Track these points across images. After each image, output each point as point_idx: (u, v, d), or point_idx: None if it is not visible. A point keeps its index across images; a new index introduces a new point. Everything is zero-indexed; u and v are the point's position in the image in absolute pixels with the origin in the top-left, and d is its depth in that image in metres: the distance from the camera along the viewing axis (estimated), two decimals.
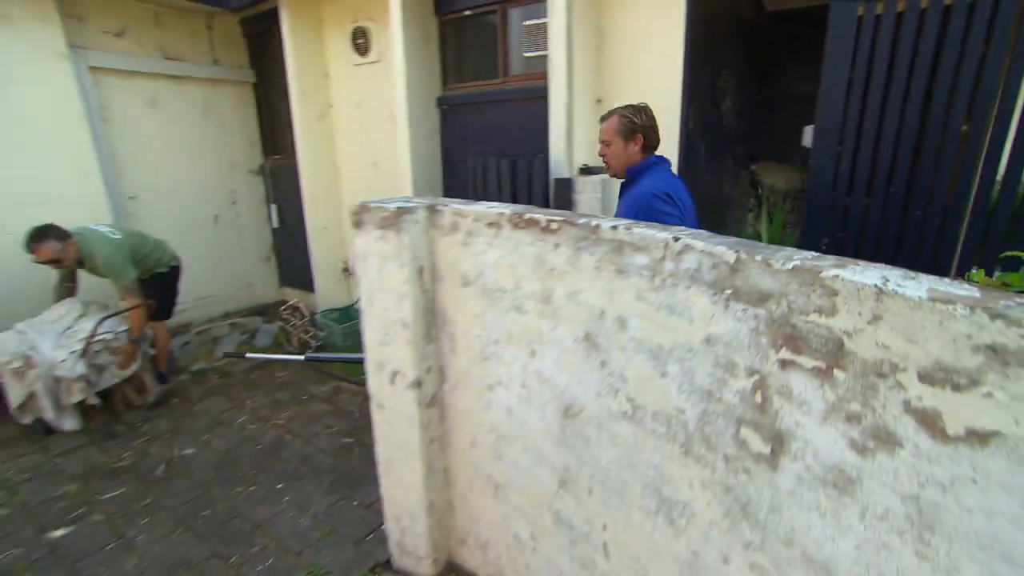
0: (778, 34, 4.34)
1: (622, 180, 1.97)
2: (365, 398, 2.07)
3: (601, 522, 1.28)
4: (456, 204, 1.45)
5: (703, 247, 0.90)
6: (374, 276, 1.56)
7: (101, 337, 2.82)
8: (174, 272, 3.23)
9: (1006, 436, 0.55)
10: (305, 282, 4.38)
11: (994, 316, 0.54)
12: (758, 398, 0.83)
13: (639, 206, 1.77)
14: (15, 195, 3.16)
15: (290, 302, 4.04)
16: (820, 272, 0.71)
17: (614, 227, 1.07)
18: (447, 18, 3.16)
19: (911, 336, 0.61)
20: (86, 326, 2.83)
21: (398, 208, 1.44)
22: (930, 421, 0.61)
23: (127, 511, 2.32)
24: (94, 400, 2.91)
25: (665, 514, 1.08)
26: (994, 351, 0.54)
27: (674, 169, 2.64)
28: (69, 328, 2.88)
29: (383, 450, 1.80)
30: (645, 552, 1.16)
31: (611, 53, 2.72)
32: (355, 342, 3.70)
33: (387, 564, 2.04)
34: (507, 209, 1.32)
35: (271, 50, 4.16)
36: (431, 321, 1.58)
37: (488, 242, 1.35)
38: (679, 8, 2.47)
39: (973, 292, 0.59)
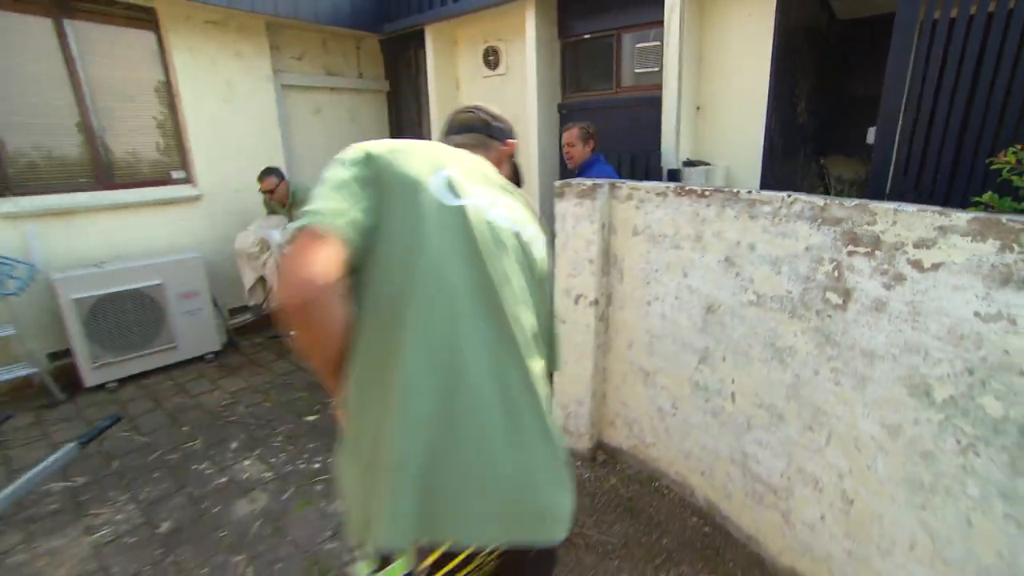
0: (846, 40, 5.03)
1: (575, 169, 3.18)
2: None
3: (730, 378, 2.13)
4: (631, 182, 2.34)
5: (805, 198, 1.75)
6: (570, 230, 2.47)
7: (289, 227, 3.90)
8: None
9: (946, 263, 1.37)
10: None
11: (941, 213, 1.37)
12: (835, 273, 1.67)
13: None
14: (236, 177, 4.30)
15: None
16: (868, 204, 1.56)
17: (748, 191, 1.93)
18: (568, 40, 4.07)
19: (909, 228, 1.45)
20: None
21: (593, 184, 2.34)
22: (918, 264, 1.44)
23: None
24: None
25: (777, 359, 1.92)
26: (941, 228, 1.38)
27: (759, 163, 3.46)
28: (285, 228, 3.96)
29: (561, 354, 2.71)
30: (762, 388, 2.01)
31: (708, 68, 3.55)
32: None
33: None
34: (671, 184, 2.20)
35: (403, 64, 5.21)
36: (606, 260, 2.47)
37: (656, 205, 2.23)
38: (767, 30, 3.27)
39: (936, 207, 1.41)
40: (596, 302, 2.49)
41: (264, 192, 4.01)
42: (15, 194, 3.39)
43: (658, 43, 3.59)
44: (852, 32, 5.00)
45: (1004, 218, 1.26)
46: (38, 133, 3.46)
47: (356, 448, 0.92)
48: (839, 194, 4.62)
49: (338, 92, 5.07)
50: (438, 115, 4.76)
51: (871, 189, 3.14)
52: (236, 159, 4.33)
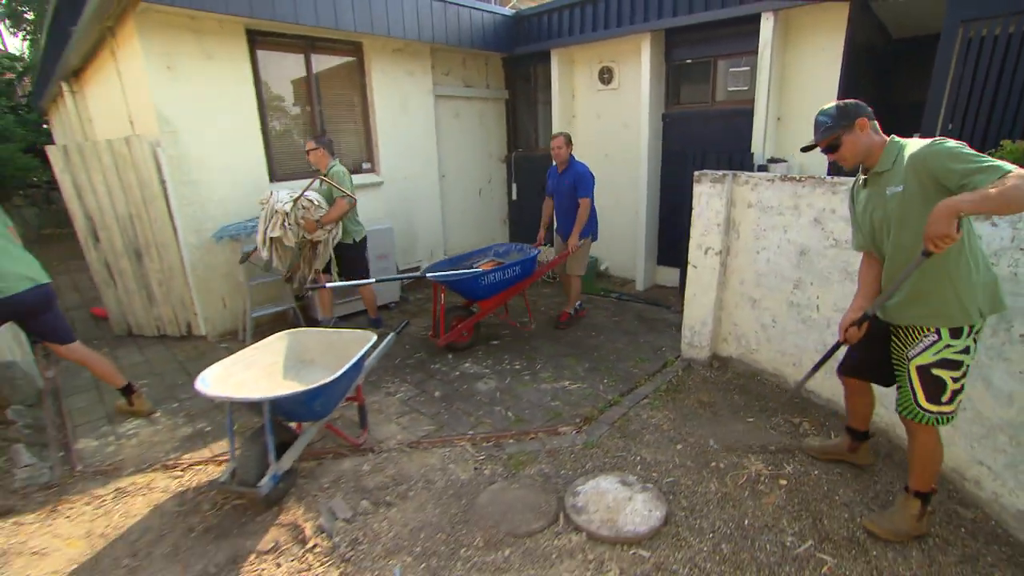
0: (898, 56, 6.35)
1: (561, 165, 4.70)
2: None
3: (816, 296, 3.53)
4: (747, 173, 3.75)
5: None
6: (704, 204, 3.90)
7: (307, 195, 4.33)
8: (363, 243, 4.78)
9: None
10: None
11: None
12: None
13: (583, 176, 4.59)
14: (405, 169, 5.83)
15: None
16: None
17: (830, 176, 3.33)
18: (673, 64, 5.51)
19: None
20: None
21: (722, 173, 3.77)
22: None
23: (509, 349, 4.83)
24: (290, 242, 4.29)
25: (850, 279, 3.32)
26: None
27: (825, 161, 4.82)
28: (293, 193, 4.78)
29: (691, 290, 4.14)
30: (839, 299, 3.41)
31: (788, 87, 4.94)
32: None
33: (676, 358, 4.39)
34: (777, 174, 3.61)
35: (522, 78, 6.71)
36: (728, 224, 3.89)
37: (766, 187, 3.65)
38: (836, 56, 4.62)
39: None
40: (720, 252, 3.92)
41: (307, 151, 4.43)
42: (277, 180, 4.96)
43: (748, 68, 5.00)
44: (903, 49, 6.32)
45: None
46: (291, 136, 5.04)
47: (972, 273, 2.06)
48: None
49: (471, 100, 6.59)
50: (559, 120, 6.25)
51: None
52: (405, 155, 5.88)
